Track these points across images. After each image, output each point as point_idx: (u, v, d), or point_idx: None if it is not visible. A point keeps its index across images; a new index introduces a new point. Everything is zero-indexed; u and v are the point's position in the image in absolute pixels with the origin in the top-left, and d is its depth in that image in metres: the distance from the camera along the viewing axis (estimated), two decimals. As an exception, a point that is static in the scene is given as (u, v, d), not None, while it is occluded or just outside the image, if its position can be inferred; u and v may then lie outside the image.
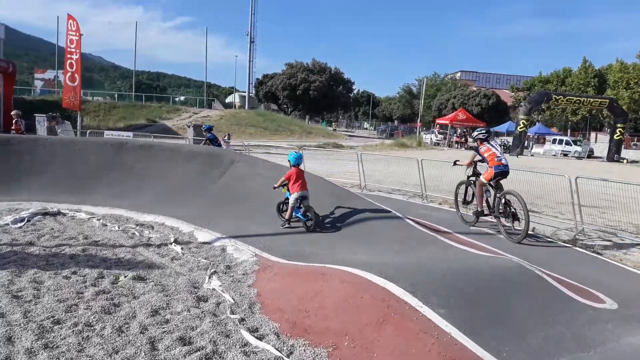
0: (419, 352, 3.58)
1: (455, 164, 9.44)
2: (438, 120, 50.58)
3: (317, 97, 56.78)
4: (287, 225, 7.75)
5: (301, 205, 7.68)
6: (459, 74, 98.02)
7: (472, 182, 9.07)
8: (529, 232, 7.95)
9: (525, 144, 43.62)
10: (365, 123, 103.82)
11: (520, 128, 41.15)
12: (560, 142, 46.33)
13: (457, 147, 46.34)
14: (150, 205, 9.25)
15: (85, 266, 5.63)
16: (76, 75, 25.70)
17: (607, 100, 42.00)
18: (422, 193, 12.93)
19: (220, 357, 3.74)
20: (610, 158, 41.27)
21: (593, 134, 61.44)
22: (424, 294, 4.20)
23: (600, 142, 53.90)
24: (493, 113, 61.53)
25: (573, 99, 42.96)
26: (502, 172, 8.22)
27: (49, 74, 58.32)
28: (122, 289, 4.99)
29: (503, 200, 8.13)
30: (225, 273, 5.71)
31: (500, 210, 8.19)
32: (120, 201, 9.53)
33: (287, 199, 7.88)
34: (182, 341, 3.94)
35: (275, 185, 7.94)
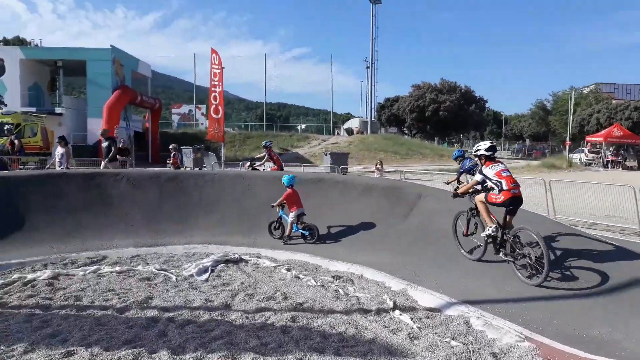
0: None
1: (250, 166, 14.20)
2: (588, 138, 45.16)
3: (448, 117, 53.94)
4: (288, 242, 8.49)
5: (299, 222, 8.52)
6: (594, 87, 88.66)
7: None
8: None
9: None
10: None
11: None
12: None
13: (613, 167, 40.79)
14: (333, 249, 7.96)
15: (308, 349, 4.27)
16: (220, 107, 26.10)
17: None
18: (641, 230, 10.34)
19: None
20: None
21: None
22: None
23: None
24: (648, 127, 53.97)
25: None
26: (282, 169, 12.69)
27: (184, 109, 62.97)
28: (378, 396, 3.51)
29: None
30: (501, 368, 4.01)
31: None
32: (299, 244, 8.39)
33: (280, 217, 8.78)
34: None
35: (274, 205, 8.68)
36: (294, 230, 8.53)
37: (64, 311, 5.01)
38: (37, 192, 9.12)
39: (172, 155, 16.75)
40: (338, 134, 56.73)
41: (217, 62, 26.14)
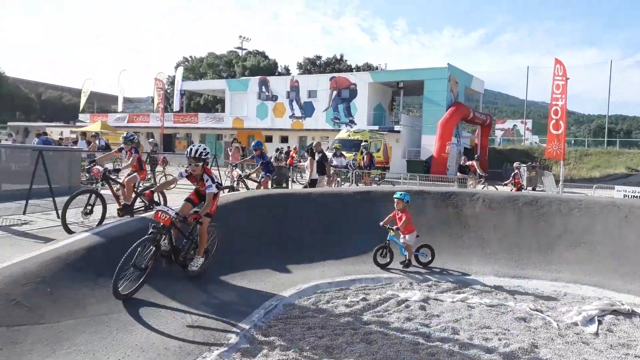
0: None
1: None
2: None
3: None
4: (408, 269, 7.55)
5: None
6: None
7: None
8: None
9: None
10: None
11: None
12: None
13: None
14: None
15: None
16: (561, 122, 23.62)
17: None
18: None
19: None
20: None
21: None
22: None
23: None
24: None
25: None
26: None
27: (508, 124, 60.89)
28: None
29: None
30: None
31: None
32: None
33: (389, 241, 7.65)
34: None
35: (397, 227, 7.65)
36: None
37: (446, 346, 4.72)
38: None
39: (512, 174, 15.73)
40: None
41: (560, 74, 23.79)
